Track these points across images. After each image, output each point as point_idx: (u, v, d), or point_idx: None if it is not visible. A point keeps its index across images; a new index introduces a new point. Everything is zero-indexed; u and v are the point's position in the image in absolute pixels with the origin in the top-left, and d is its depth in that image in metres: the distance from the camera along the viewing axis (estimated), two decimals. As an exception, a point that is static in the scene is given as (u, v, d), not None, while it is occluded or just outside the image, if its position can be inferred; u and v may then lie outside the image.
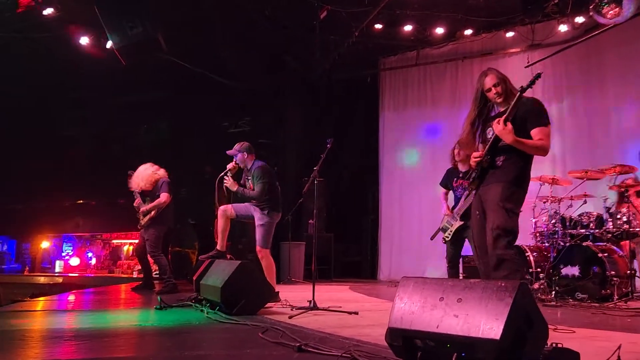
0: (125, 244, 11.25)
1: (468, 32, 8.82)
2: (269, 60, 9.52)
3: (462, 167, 5.26)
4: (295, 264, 8.76)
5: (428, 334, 2.02)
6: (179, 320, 3.74)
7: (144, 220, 6.25)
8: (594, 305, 4.99)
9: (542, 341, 2.05)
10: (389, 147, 9.88)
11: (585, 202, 5.91)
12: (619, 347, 2.15)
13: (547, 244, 5.93)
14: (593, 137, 7.92)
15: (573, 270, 5.49)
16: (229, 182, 4.96)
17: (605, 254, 5.32)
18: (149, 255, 6.31)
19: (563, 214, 5.94)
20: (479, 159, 3.29)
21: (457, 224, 5.21)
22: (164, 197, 6.21)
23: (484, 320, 1.89)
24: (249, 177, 5.04)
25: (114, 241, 11.40)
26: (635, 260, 5.58)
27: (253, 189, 4.90)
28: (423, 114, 9.63)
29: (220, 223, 5.02)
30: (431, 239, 5.76)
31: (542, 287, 5.37)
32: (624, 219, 5.45)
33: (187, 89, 9.56)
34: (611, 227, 5.57)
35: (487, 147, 3.27)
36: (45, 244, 11.53)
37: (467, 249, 5.38)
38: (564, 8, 7.72)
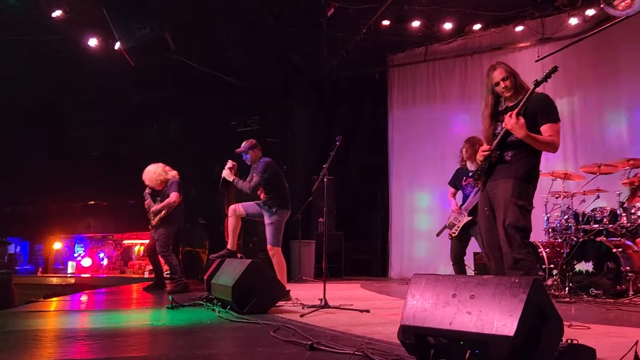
0: (136, 244, 11.33)
1: (477, 27, 8.76)
2: (276, 59, 9.52)
3: (470, 166, 5.20)
4: (306, 262, 8.76)
5: (441, 331, 1.99)
6: (190, 320, 3.75)
7: (154, 220, 6.28)
8: (608, 301, 4.94)
9: (557, 338, 2.02)
10: (398, 144, 9.84)
11: (598, 197, 5.85)
12: (636, 343, 2.11)
13: (560, 240, 5.87)
14: (605, 131, 7.83)
15: (587, 266, 5.43)
16: (226, 172, 4.99)
17: (620, 249, 5.25)
18: (159, 255, 6.34)
19: (576, 209, 5.88)
20: (487, 153, 3.25)
21: (465, 219, 5.16)
22: (173, 196, 6.24)
23: (498, 317, 1.86)
24: (254, 172, 5.06)
25: (125, 242, 11.48)
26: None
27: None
28: (432, 111, 9.57)
29: (231, 222, 5.04)
30: (437, 235, 5.73)
31: (555, 283, 5.32)
32: (639, 213, 5.37)
33: (195, 88, 9.60)
34: (625, 221, 5.50)
35: (496, 141, 3.22)
36: (57, 245, 11.65)
37: (475, 246, 5.33)
38: (574, 1, 7.65)
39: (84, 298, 5.99)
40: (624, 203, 5.60)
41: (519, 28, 8.53)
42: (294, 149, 9.87)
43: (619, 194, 5.62)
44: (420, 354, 2.08)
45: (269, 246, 4.90)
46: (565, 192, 5.88)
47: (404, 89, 9.94)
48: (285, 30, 8.66)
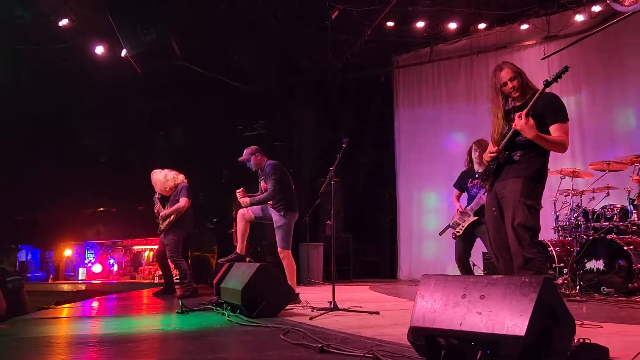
0: (145, 249, 11.39)
1: (481, 26, 8.73)
2: (281, 62, 9.55)
3: (478, 169, 5.16)
4: (314, 265, 8.76)
5: (451, 332, 1.99)
6: (200, 324, 3.76)
7: (163, 225, 6.31)
8: (620, 300, 4.88)
9: (569, 337, 2.01)
10: (405, 145, 9.82)
11: (607, 194, 5.79)
12: (650, 342, 2.09)
13: (569, 238, 5.83)
14: (613, 128, 7.77)
15: (597, 264, 5.38)
16: (242, 202, 5.02)
17: (631, 247, 5.20)
18: (169, 260, 6.37)
19: (585, 207, 5.83)
20: (495, 154, 3.23)
21: (471, 219, 5.13)
22: (182, 201, 6.27)
23: (508, 317, 1.85)
24: (263, 177, 5.07)
25: (135, 247, 11.55)
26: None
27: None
28: (438, 111, 9.54)
29: (240, 226, 5.05)
30: (440, 234, 5.72)
31: (565, 282, 5.28)
32: (649, 210, 5.33)
33: (201, 93, 9.64)
34: (636, 219, 5.45)
35: (504, 142, 3.20)
36: (68, 252, 11.74)
37: (483, 246, 5.29)
38: (580, -3, 7.60)
39: (94, 304, 6.02)
40: (634, 200, 5.54)
41: (524, 26, 8.49)
42: (301, 151, 9.88)
43: (629, 190, 5.56)
44: (430, 355, 2.07)
45: (279, 249, 4.90)
46: (574, 190, 5.84)
47: (409, 90, 9.93)
48: (290, 34, 8.69)
